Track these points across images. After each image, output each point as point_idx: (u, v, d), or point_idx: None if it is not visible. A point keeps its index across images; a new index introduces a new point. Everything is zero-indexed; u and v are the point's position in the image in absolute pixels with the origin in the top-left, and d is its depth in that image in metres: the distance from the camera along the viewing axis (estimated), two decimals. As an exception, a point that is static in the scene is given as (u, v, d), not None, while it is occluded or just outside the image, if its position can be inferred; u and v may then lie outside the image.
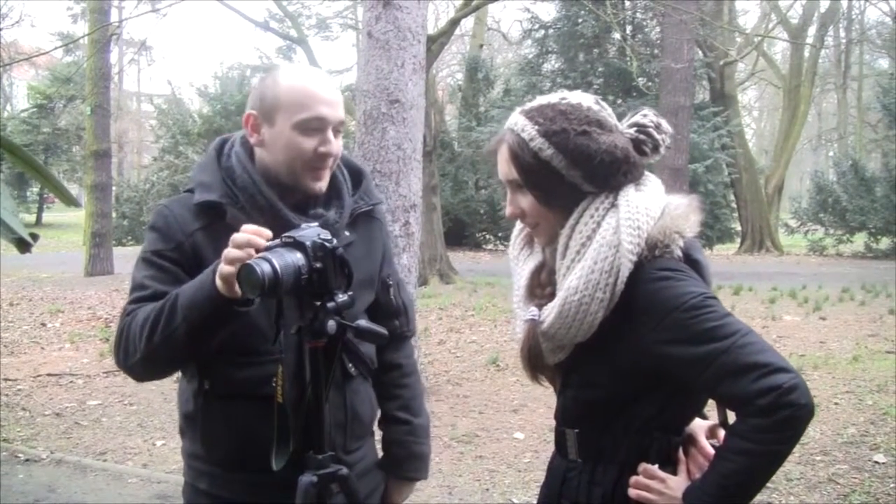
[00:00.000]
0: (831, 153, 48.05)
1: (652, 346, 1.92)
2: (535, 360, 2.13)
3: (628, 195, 2.01)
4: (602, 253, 1.95)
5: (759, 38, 30.71)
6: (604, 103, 2.10)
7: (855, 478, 5.86)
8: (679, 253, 1.99)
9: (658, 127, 2.09)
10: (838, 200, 26.24)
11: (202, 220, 2.25)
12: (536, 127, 2.01)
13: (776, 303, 14.30)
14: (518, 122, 2.06)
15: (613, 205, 2.01)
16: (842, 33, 38.85)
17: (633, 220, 1.96)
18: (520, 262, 2.24)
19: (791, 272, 20.18)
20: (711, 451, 2.01)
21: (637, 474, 2.01)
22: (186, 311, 2.03)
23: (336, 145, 2.25)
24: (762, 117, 60.00)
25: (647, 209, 2.00)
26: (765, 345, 1.86)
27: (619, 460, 2.04)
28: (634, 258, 1.94)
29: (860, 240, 26.42)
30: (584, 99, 2.07)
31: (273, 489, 2.19)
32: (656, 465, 2.01)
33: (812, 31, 32.93)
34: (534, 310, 2.09)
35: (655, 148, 2.09)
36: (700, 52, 24.68)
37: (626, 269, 1.94)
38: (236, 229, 2.01)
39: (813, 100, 38.29)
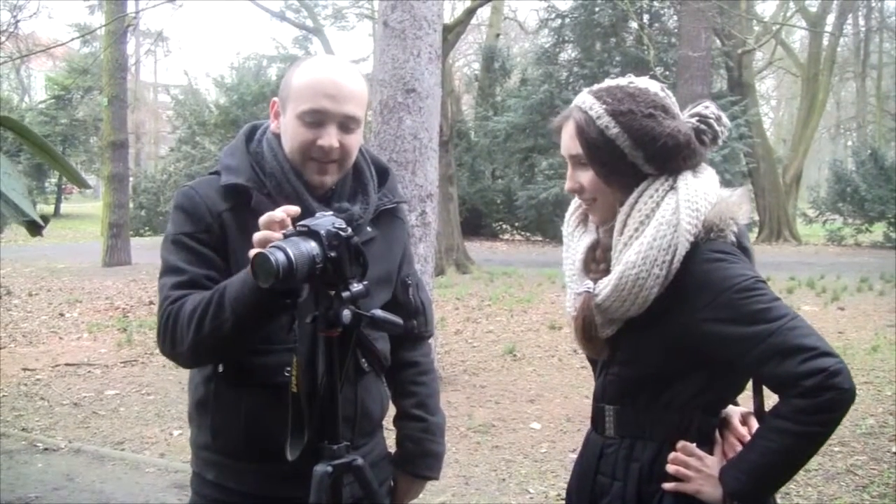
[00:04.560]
0: (850, 142, 47.73)
1: (702, 323, 1.98)
2: (588, 332, 2.17)
3: (687, 179, 2.09)
4: (661, 231, 2.02)
5: (778, 26, 30.49)
6: (668, 91, 2.17)
7: (874, 469, 5.83)
8: (733, 238, 2.07)
9: (718, 119, 2.16)
10: (857, 190, 26.08)
11: (229, 201, 2.24)
12: (604, 106, 2.09)
13: (794, 293, 14.23)
14: (586, 100, 2.14)
15: (673, 187, 2.08)
16: (861, 21, 38.55)
17: (692, 202, 2.04)
18: (574, 238, 2.30)
19: (809, 262, 20.09)
20: (745, 434, 2.09)
21: (675, 451, 2.07)
22: (233, 305, 2.03)
23: (336, 140, 2.21)
24: (780, 106, 59.59)
25: (706, 193, 2.08)
26: (811, 330, 1.92)
27: (658, 438, 2.11)
28: (692, 238, 2.02)
29: (879, 229, 26.24)
30: (651, 84, 2.15)
31: (282, 480, 2.18)
32: (694, 444, 2.07)
33: (831, 19, 32.74)
34: (589, 283, 2.15)
35: (714, 139, 2.15)
36: (718, 41, 24.52)
37: (682, 248, 2.01)
38: (261, 215, 2.02)
39: (831, 88, 37.97)
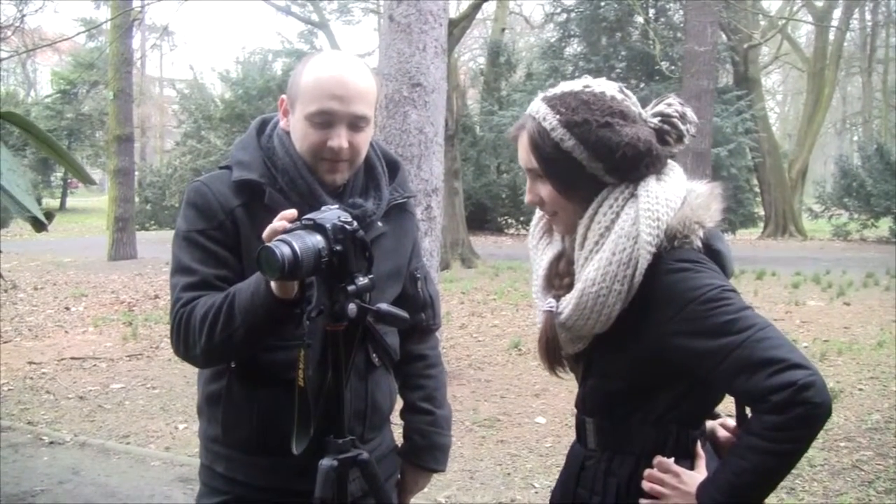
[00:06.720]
0: (856, 137, 47.62)
1: (668, 337, 1.89)
2: (552, 352, 2.11)
3: (649, 185, 1.97)
4: (620, 244, 1.92)
5: (784, 20, 30.39)
6: (628, 91, 2.04)
7: (879, 464, 5.82)
8: (699, 244, 1.96)
9: (683, 116, 2.03)
10: (863, 185, 26.02)
11: (241, 197, 2.23)
12: (558, 116, 1.96)
13: (800, 288, 14.21)
14: (539, 109, 2.01)
15: (633, 195, 1.97)
16: (867, 16, 38.43)
17: (652, 211, 1.92)
18: (539, 250, 2.20)
19: (815, 257, 20.05)
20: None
21: (653, 467, 1.98)
22: (244, 315, 2.03)
23: (345, 141, 2.19)
24: (786, 101, 59.53)
25: (668, 200, 1.95)
26: (782, 340, 1.81)
27: (637, 452, 2.02)
28: (653, 249, 1.91)
29: (885, 225, 26.16)
30: (607, 87, 2.01)
31: (290, 473, 2.19)
32: (672, 459, 1.98)
33: (837, 13, 32.70)
34: (551, 301, 2.06)
35: (679, 138, 2.03)
36: (724, 36, 24.47)
37: (644, 261, 1.90)
38: (275, 211, 2.00)
39: (838, 83, 37.93)
